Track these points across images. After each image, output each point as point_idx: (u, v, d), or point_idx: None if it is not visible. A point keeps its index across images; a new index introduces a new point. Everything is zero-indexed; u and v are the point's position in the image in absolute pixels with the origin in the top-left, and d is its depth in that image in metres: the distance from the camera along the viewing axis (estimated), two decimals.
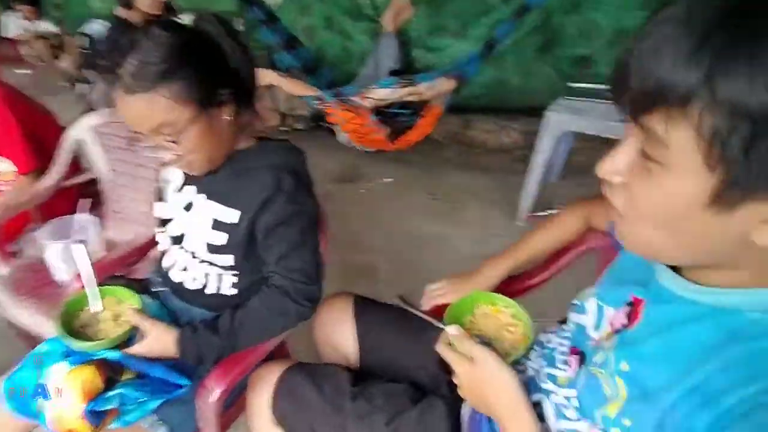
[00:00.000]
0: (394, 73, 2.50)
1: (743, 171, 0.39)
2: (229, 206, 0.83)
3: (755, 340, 0.45)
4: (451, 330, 0.68)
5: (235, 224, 0.83)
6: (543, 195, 2.38)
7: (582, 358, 0.65)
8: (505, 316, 0.76)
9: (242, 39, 0.77)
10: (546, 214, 2.45)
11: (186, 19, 0.80)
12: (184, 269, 0.90)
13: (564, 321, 0.77)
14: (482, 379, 0.65)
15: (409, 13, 3.00)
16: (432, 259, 2.15)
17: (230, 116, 0.77)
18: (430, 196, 2.65)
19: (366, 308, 1.00)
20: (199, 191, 0.86)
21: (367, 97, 2.10)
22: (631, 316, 0.59)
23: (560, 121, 2.11)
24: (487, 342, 0.70)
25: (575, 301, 0.76)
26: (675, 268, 0.55)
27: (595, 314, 0.67)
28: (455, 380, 0.69)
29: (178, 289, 0.93)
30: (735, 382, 0.44)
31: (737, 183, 0.40)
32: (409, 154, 2.78)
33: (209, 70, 0.73)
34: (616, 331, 0.60)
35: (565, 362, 0.68)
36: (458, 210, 2.54)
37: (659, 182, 0.44)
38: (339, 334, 0.96)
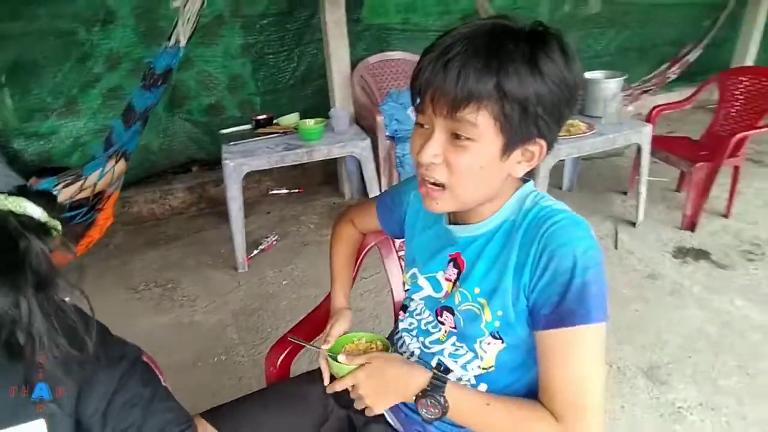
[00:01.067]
0: (45, 172, 1.96)
1: (516, 132, 0.67)
2: (24, 422, 0.58)
3: (519, 228, 0.75)
4: (341, 357, 0.80)
5: None
6: (246, 235, 2.45)
7: (450, 309, 0.83)
8: (363, 344, 0.90)
9: None
10: (260, 250, 2.56)
11: None
12: None
13: (404, 308, 0.96)
14: (380, 371, 0.77)
15: None
16: (181, 350, 1.92)
17: None
18: (132, 291, 2.29)
19: (223, 415, 0.90)
20: None
21: None
22: (460, 265, 0.83)
23: (239, 166, 2.23)
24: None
25: (407, 287, 0.94)
26: (457, 222, 0.82)
27: (429, 283, 0.88)
28: (360, 394, 0.79)
29: None
30: (527, 248, 0.73)
31: (512, 140, 0.68)
32: (77, 258, 2.28)
33: None
34: (456, 280, 0.83)
35: (438, 323, 0.85)
36: (173, 290, 2.31)
37: (472, 152, 0.68)
38: None
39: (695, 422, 1.53)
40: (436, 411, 0.73)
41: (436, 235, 0.87)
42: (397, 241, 1.24)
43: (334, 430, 0.94)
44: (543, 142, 0.70)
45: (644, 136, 2.38)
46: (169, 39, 2.01)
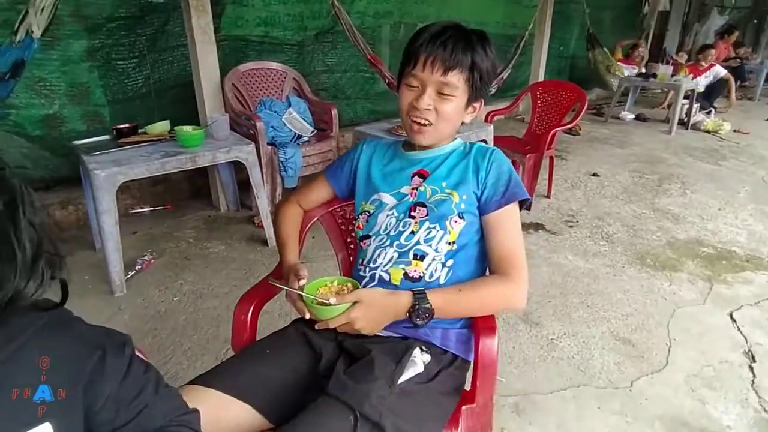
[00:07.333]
0: None
1: (475, 92, 1.00)
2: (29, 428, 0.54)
3: (470, 153, 1.07)
4: (332, 299, 0.90)
5: None
6: (123, 255, 2.21)
7: (421, 203, 1.04)
8: (334, 286, 0.98)
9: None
10: (136, 270, 2.31)
11: None
12: None
13: (366, 237, 1.08)
14: (372, 304, 0.91)
15: None
16: None
17: None
18: None
19: (215, 376, 0.91)
20: None
21: None
22: (423, 174, 1.07)
23: (112, 176, 2.01)
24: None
25: (369, 213, 1.09)
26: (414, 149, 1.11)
27: (394, 198, 1.07)
28: (359, 327, 0.90)
29: None
30: (481, 161, 1.05)
31: (471, 97, 1.01)
32: None
33: None
34: (420, 184, 1.06)
35: (410, 218, 1.03)
36: None
37: (453, 103, 0.99)
38: (227, 417, 0.87)
39: (564, 347, 1.94)
40: (427, 315, 0.92)
41: (398, 163, 1.12)
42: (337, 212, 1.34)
43: (330, 362, 0.97)
44: (481, 101, 1.05)
45: (488, 133, 2.88)
46: (16, 33, 1.75)
